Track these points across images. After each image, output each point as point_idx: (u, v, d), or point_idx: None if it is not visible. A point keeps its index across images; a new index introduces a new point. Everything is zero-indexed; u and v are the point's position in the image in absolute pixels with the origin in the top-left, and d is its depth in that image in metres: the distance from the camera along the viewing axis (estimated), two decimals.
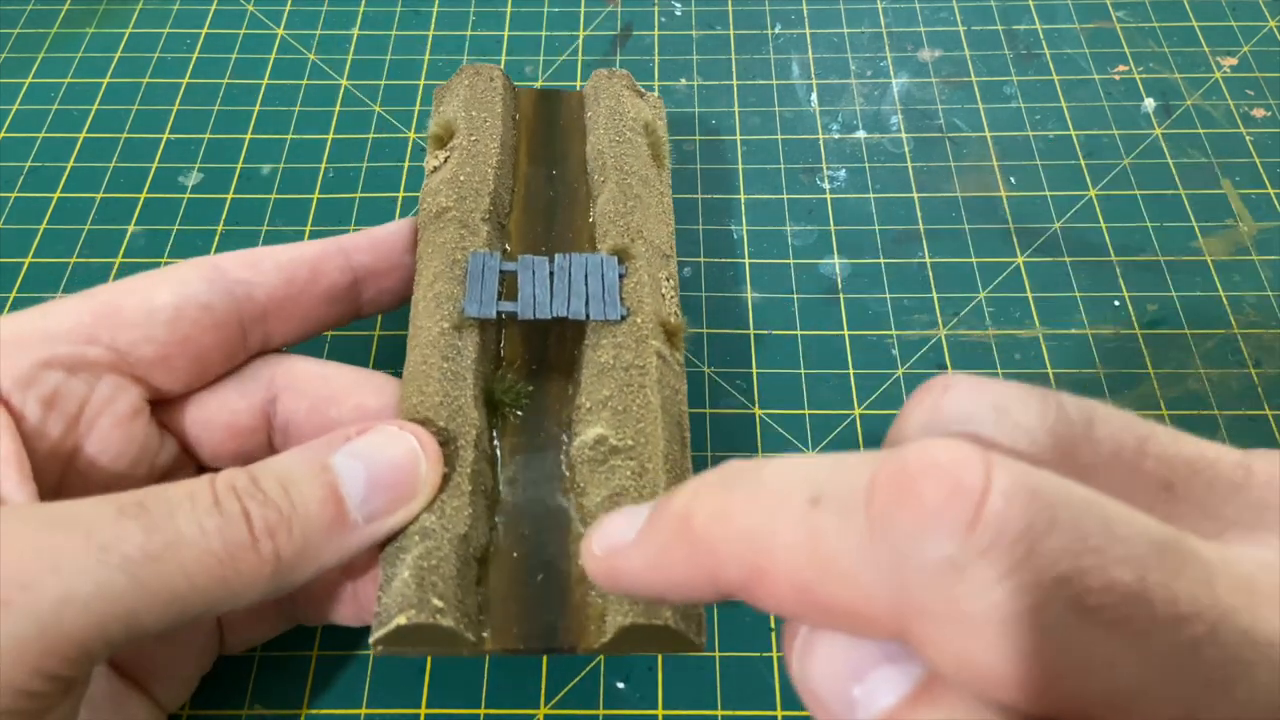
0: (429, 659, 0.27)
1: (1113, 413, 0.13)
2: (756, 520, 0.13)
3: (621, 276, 0.26)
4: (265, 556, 0.20)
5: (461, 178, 0.27)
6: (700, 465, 0.27)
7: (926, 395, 0.14)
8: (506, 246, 0.27)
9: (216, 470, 0.26)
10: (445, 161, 0.28)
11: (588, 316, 0.25)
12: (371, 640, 0.20)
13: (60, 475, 0.23)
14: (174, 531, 0.19)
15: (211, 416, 0.25)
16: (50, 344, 0.22)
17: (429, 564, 0.20)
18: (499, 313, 0.25)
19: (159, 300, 0.23)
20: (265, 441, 0.26)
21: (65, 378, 0.22)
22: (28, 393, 0.22)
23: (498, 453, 0.24)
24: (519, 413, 0.25)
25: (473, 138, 0.28)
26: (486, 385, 0.24)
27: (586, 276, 0.25)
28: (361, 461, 0.21)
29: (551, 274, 0.25)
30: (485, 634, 0.21)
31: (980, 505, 0.10)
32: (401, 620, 0.19)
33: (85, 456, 0.23)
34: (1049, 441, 0.13)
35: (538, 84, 0.40)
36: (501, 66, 0.41)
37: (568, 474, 0.23)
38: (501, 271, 0.25)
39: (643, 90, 0.32)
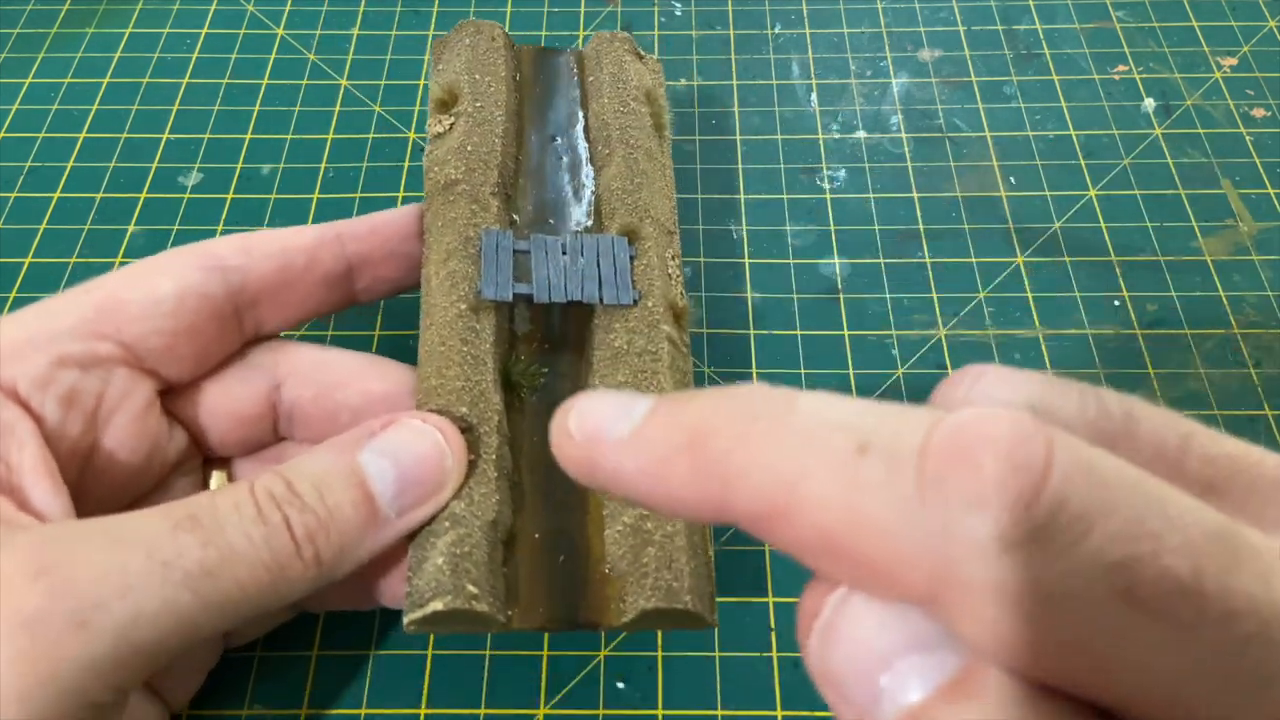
0: (429, 659, 0.27)
1: (1153, 410, 0.13)
2: (788, 456, 0.12)
3: (632, 258, 0.26)
4: (309, 561, 0.20)
5: (469, 148, 0.27)
6: None
7: (958, 385, 0.13)
8: (515, 217, 0.28)
9: (223, 459, 0.26)
10: (450, 129, 0.28)
11: (601, 300, 0.25)
12: (406, 621, 0.20)
13: (79, 473, 0.23)
14: (226, 544, 0.19)
15: (217, 405, 0.25)
16: (59, 342, 0.22)
17: (462, 550, 0.21)
18: (515, 295, 0.25)
19: (162, 291, 0.23)
20: (271, 428, 0.26)
21: (80, 375, 0.22)
22: (46, 393, 0.22)
23: (516, 433, 0.24)
24: (534, 393, 0.25)
25: (478, 104, 0.28)
26: (503, 366, 0.25)
27: (599, 258, 0.26)
28: (389, 459, 0.21)
29: (564, 254, 0.26)
30: (512, 613, 0.21)
31: (1040, 483, 0.10)
32: (438, 605, 0.20)
33: (103, 452, 0.23)
34: (1088, 436, 0.12)
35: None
36: None
37: None
38: (514, 251, 0.26)
39: (642, 53, 0.32)
